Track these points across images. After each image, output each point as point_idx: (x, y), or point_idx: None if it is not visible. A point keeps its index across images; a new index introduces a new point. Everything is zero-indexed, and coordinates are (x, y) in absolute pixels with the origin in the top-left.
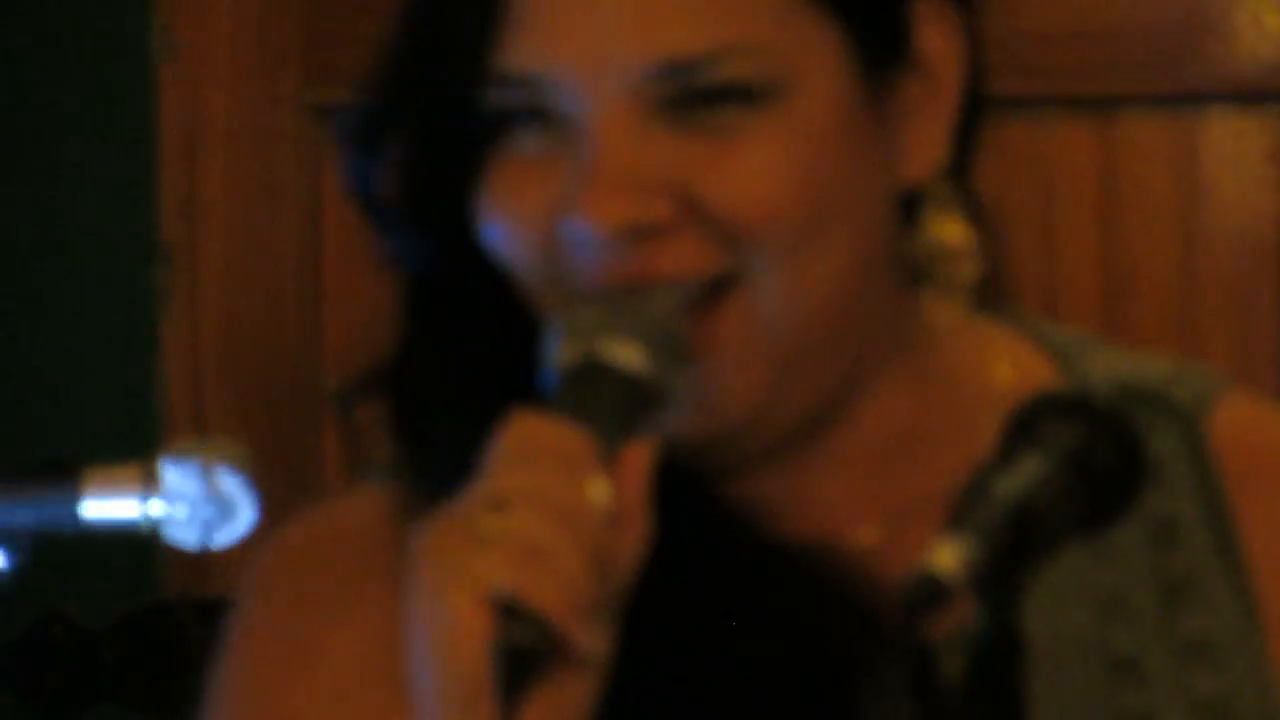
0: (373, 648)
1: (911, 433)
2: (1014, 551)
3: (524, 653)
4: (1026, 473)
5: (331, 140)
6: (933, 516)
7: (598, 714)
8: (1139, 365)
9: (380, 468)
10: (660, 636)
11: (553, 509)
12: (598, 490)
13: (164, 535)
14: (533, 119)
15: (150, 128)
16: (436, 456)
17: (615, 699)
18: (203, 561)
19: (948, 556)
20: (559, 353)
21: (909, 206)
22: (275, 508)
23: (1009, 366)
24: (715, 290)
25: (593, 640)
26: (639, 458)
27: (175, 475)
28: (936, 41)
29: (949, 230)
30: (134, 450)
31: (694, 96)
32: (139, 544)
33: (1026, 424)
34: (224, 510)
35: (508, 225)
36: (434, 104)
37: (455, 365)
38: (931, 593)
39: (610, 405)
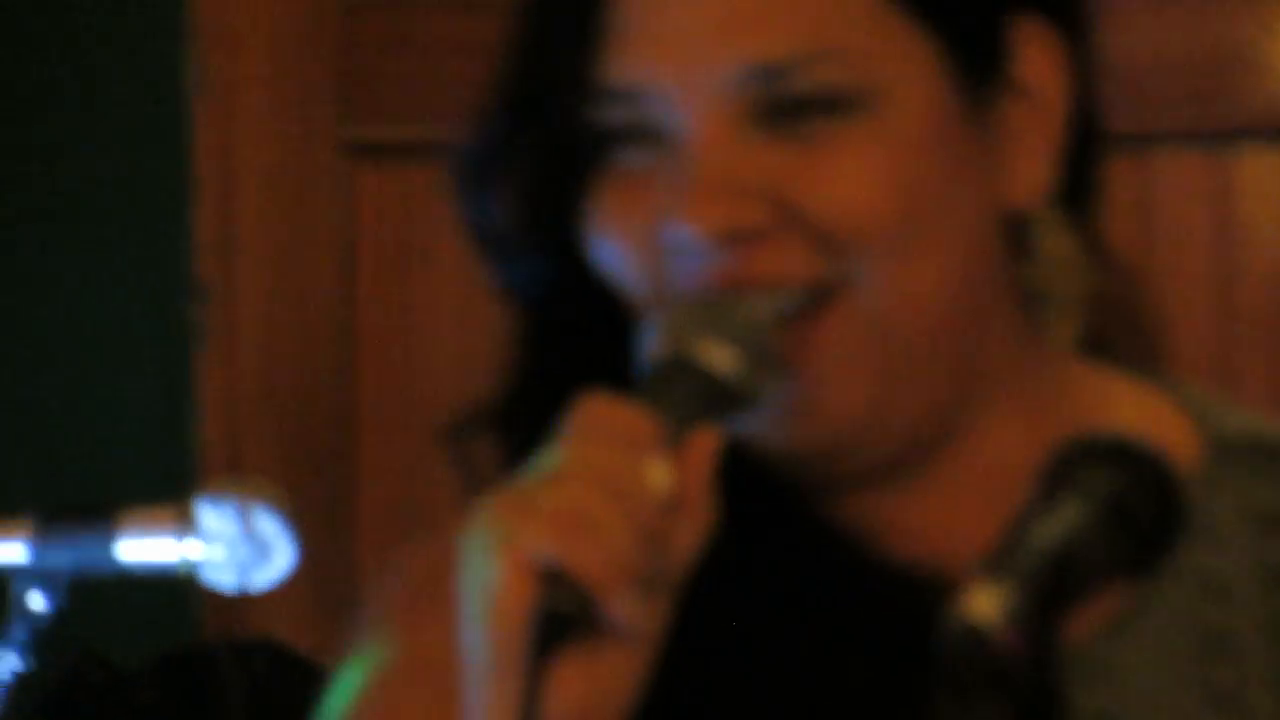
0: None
1: (1023, 467)
2: (1052, 598)
3: (560, 618)
4: (1066, 519)
5: (366, 176)
6: None
7: (654, 706)
8: (1274, 424)
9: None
10: (742, 646)
11: (606, 483)
12: (657, 472)
13: (201, 578)
14: (633, 135)
15: (185, 164)
16: None
17: (679, 699)
18: (240, 603)
19: (987, 603)
20: (649, 347)
21: (1021, 234)
22: (312, 548)
23: (1133, 412)
24: (816, 297)
25: (633, 614)
26: (704, 446)
27: (212, 516)
28: (1039, 66)
29: (1057, 245)
30: (170, 491)
31: (787, 103)
32: (176, 585)
33: (1066, 469)
34: (261, 551)
35: (614, 240)
36: (541, 126)
37: (570, 394)
38: (971, 639)
39: (686, 397)
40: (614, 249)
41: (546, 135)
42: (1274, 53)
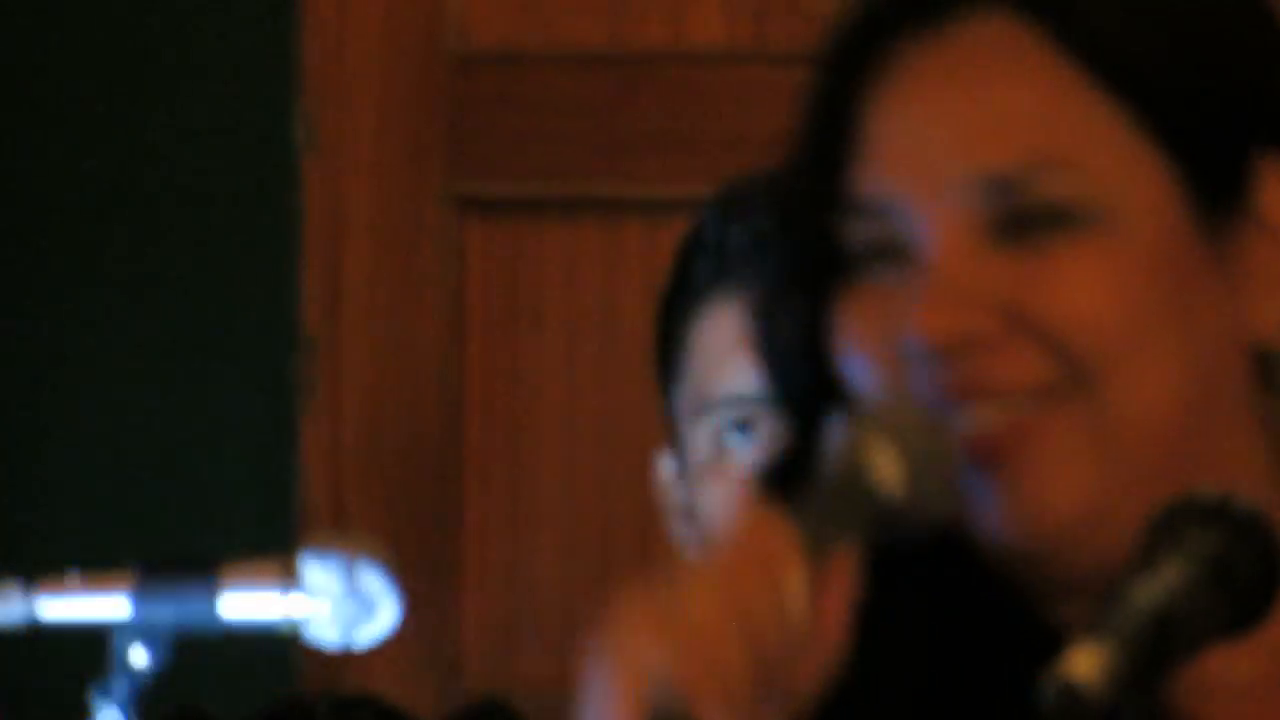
0: None
1: None
2: (1154, 659)
3: None
4: (1167, 579)
5: (474, 231)
6: None
7: None
8: None
9: None
10: None
11: (737, 600)
12: (794, 595)
13: (304, 634)
14: (879, 251)
15: (293, 219)
16: None
17: None
18: (342, 659)
19: (1088, 664)
20: (828, 450)
21: (1270, 369)
22: (415, 604)
23: None
24: (1042, 400)
25: None
26: (847, 570)
27: (316, 571)
28: None
29: None
30: (274, 545)
31: (1020, 216)
32: (278, 640)
33: (1167, 529)
34: (365, 607)
35: (858, 353)
36: (809, 241)
37: None
38: (1072, 702)
39: (848, 510)
40: (858, 361)
41: (805, 249)
42: None
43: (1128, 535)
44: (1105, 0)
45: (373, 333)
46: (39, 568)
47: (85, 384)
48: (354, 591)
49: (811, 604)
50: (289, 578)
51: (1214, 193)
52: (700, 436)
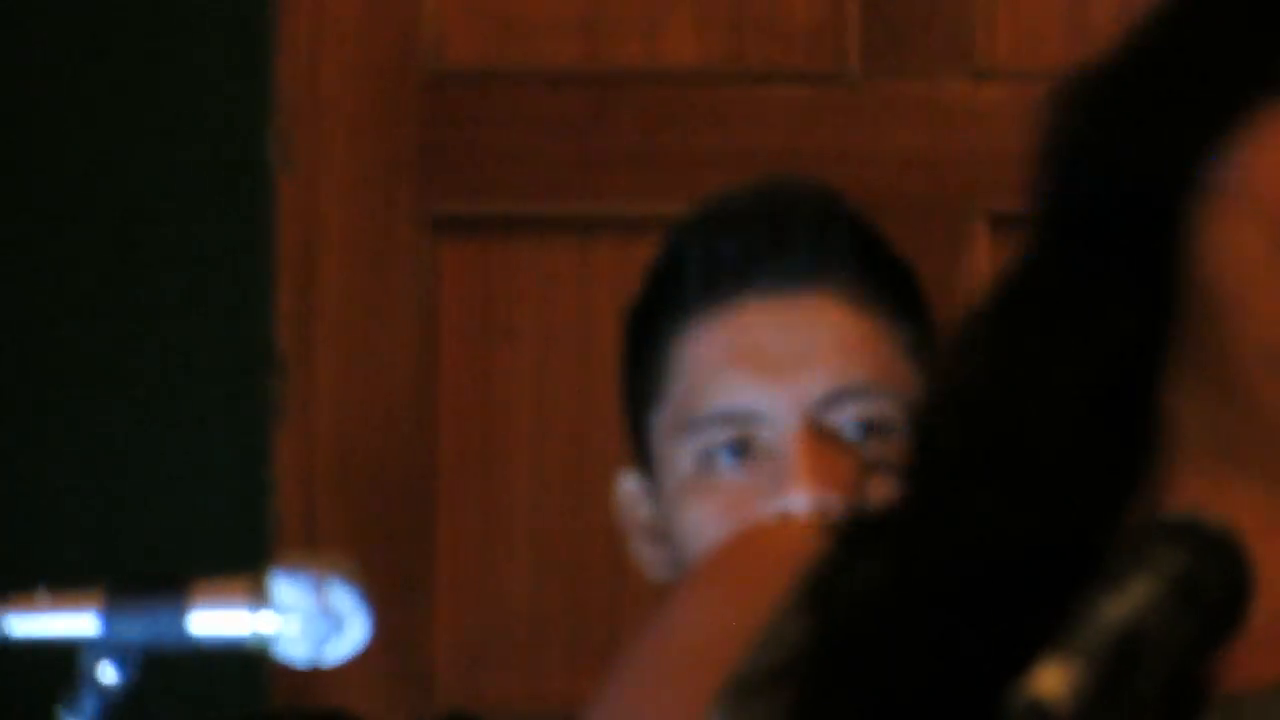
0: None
1: None
2: (1121, 677)
3: None
4: (1135, 597)
5: (447, 250)
6: None
7: None
8: None
9: None
10: None
11: None
12: None
13: (273, 651)
14: None
15: (267, 238)
16: None
17: None
18: (312, 676)
19: (1055, 682)
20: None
21: None
22: (386, 622)
23: None
24: None
25: None
26: None
27: (286, 588)
28: None
29: None
30: (245, 563)
31: None
32: (248, 658)
33: (1135, 547)
34: (335, 625)
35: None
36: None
37: None
38: (1036, 717)
39: None
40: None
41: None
42: None
43: None
44: None
45: (346, 351)
46: (8, 584)
47: (57, 401)
48: (324, 609)
49: None
50: (259, 595)
51: None
52: (684, 455)
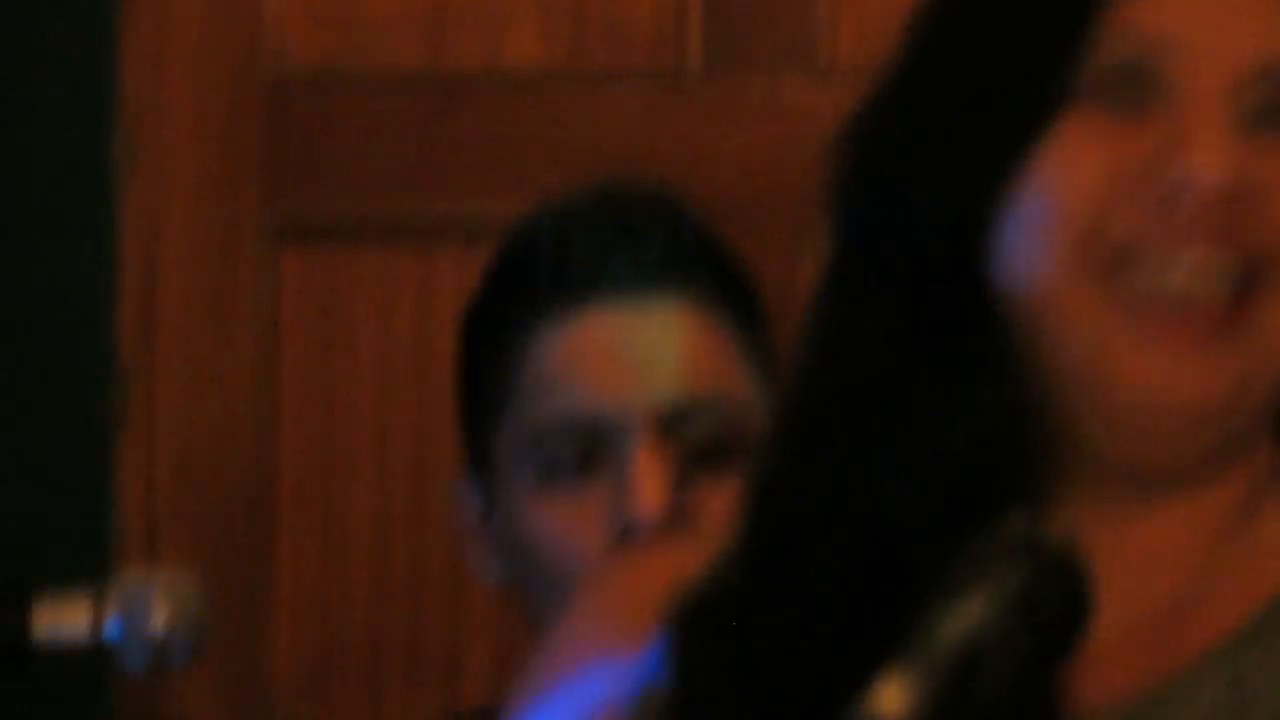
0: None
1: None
2: (960, 692)
3: None
4: (973, 613)
5: (289, 257)
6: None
7: None
8: None
9: None
10: None
11: None
12: None
13: (116, 660)
14: (1122, 81)
15: (108, 243)
16: None
17: None
18: (154, 685)
19: (893, 698)
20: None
21: None
22: (227, 631)
23: None
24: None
25: None
26: None
27: (127, 599)
28: None
29: None
30: (88, 573)
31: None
32: (90, 667)
33: (976, 561)
34: (176, 635)
35: (1071, 181)
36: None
37: None
38: None
39: None
40: (1064, 186)
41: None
42: None
43: (1221, 431)
44: None
45: (187, 362)
46: None
47: None
48: (166, 621)
49: None
50: (101, 605)
51: None
52: (526, 464)
